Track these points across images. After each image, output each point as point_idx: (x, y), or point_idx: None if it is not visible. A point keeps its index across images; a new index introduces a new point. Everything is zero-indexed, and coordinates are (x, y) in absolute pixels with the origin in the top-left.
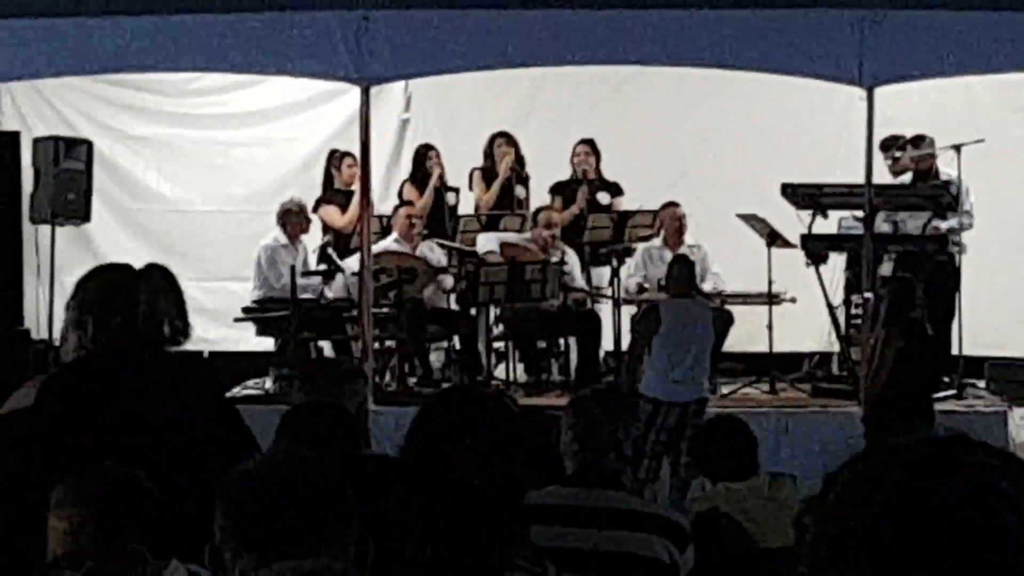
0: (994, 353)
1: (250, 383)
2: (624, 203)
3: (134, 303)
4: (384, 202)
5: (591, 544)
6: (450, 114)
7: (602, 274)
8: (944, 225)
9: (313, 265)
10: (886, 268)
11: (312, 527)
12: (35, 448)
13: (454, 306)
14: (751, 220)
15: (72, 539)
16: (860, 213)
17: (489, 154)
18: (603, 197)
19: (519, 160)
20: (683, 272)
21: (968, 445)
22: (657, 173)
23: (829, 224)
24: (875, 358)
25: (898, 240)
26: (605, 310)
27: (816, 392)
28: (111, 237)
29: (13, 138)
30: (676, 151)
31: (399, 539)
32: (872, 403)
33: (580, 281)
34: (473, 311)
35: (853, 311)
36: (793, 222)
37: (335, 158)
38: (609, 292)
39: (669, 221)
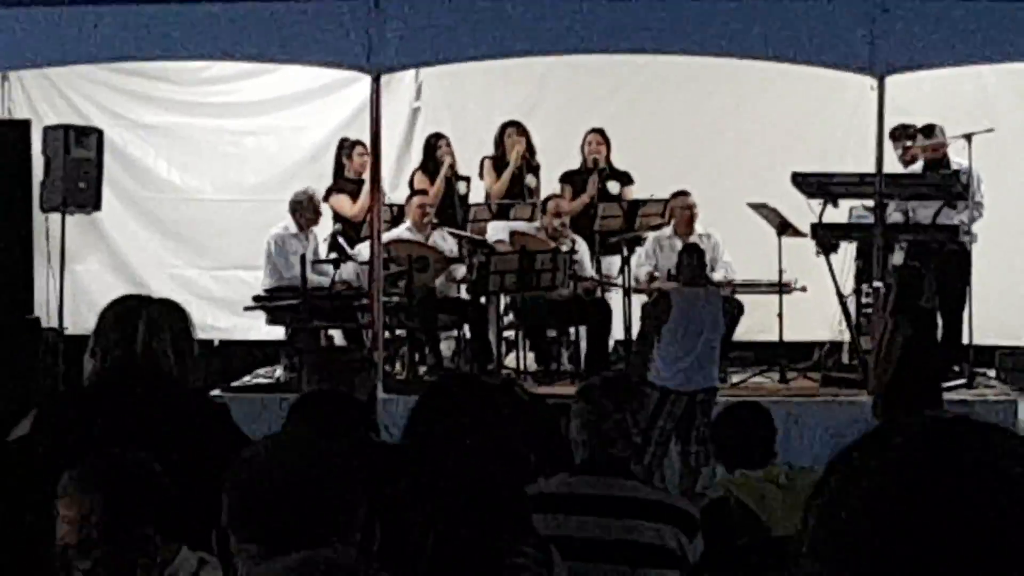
0: (1004, 343)
1: (260, 371)
2: (634, 192)
3: (132, 337)
4: (395, 191)
5: (600, 532)
6: (461, 103)
7: (612, 263)
8: (955, 217)
9: (324, 254)
10: (897, 257)
11: (319, 513)
12: (31, 474)
13: (465, 295)
14: (761, 209)
15: (81, 527)
16: (871, 202)
17: (500, 143)
18: (613, 186)
19: (530, 149)
20: (693, 261)
21: (970, 425)
22: (667, 162)
23: (840, 213)
24: (883, 347)
25: (909, 229)
26: (615, 299)
27: (826, 381)
28: (121, 225)
29: (24, 126)
30: (687, 140)
31: (404, 526)
32: (881, 392)
33: (590, 270)
34: (483, 300)
35: (863, 300)
36: (804, 211)
37: (346, 147)
38: (619, 281)
39: (679, 210)
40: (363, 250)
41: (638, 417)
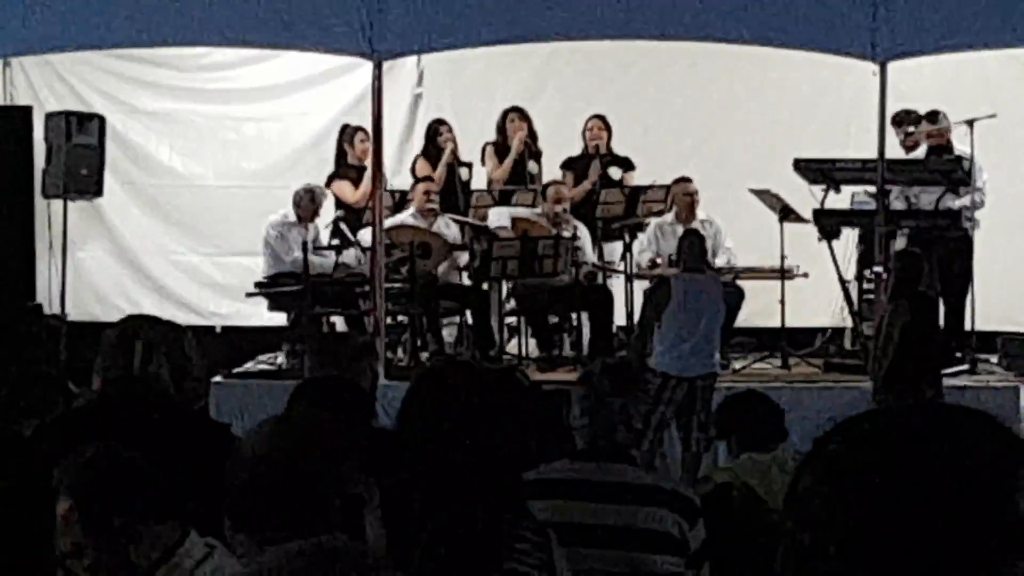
0: (1007, 328)
1: (262, 358)
2: (635, 178)
3: (130, 359)
4: (396, 177)
5: (601, 518)
6: (462, 89)
7: (614, 249)
8: (957, 203)
9: (325, 240)
10: (900, 243)
11: (318, 500)
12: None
13: (467, 282)
14: (764, 195)
15: (69, 532)
16: (872, 188)
17: (502, 129)
18: (615, 172)
19: (531, 135)
20: (694, 247)
21: (956, 413)
22: (669, 148)
23: (842, 199)
24: (882, 332)
25: (911, 216)
26: (617, 285)
27: (828, 367)
28: (123, 212)
29: (26, 113)
30: (689, 126)
31: (400, 511)
32: (881, 377)
33: (591, 256)
34: (485, 286)
35: (865, 286)
36: (806, 197)
37: (347, 133)
38: (621, 267)
39: (681, 196)
40: (365, 236)
41: (639, 403)
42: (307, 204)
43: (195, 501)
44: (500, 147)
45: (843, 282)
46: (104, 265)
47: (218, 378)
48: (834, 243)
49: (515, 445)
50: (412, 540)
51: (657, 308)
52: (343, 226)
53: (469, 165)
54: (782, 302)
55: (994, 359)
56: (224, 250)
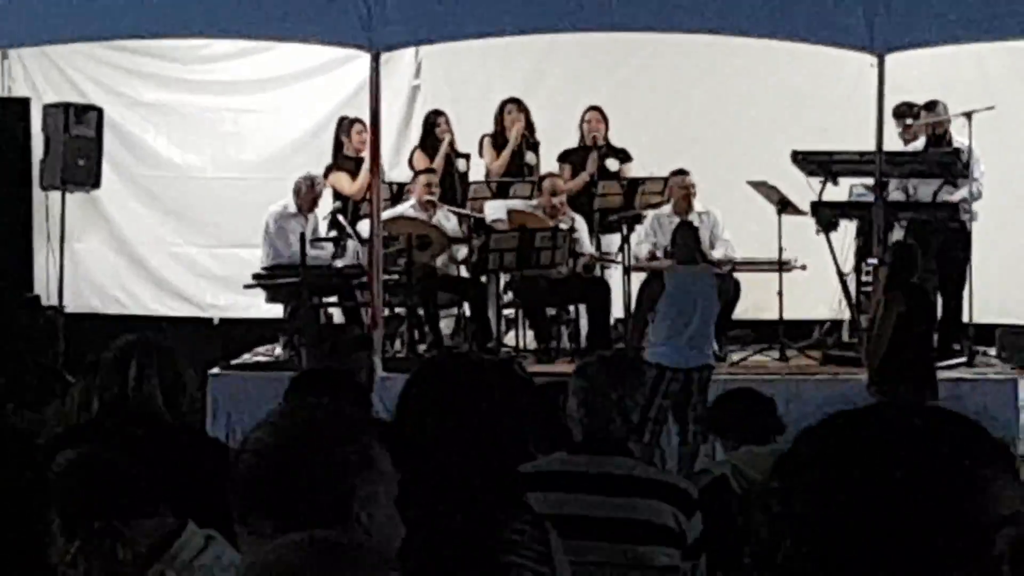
0: (1005, 321)
1: (260, 350)
2: (633, 169)
3: (125, 380)
4: (394, 169)
5: (598, 511)
6: (460, 81)
7: (612, 241)
8: (955, 195)
9: (323, 232)
10: (897, 235)
11: (319, 494)
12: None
13: (465, 274)
14: (762, 187)
15: (60, 543)
16: (871, 180)
17: (499, 120)
18: (612, 164)
19: (529, 126)
20: (687, 239)
21: (938, 416)
22: (667, 140)
23: (840, 191)
24: (876, 323)
25: (909, 208)
26: (615, 277)
27: (826, 359)
28: (121, 204)
29: (23, 104)
30: (687, 118)
31: (398, 504)
32: (875, 368)
33: (589, 248)
34: (484, 278)
35: (863, 278)
36: (804, 189)
37: (345, 125)
38: (618, 258)
39: (677, 189)
40: (364, 228)
41: (636, 395)
42: (307, 192)
43: (189, 495)
44: (498, 139)
45: (841, 274)
46: (102, 257)
47: (215, 370)
48: (832, 235)
49: (513, 438)
50: (410, 533)
51: (650, 301)
52: (341, 218)
53: (467, 156)
54: (780, 294)
55: (992, 351)
56: (222, 242)
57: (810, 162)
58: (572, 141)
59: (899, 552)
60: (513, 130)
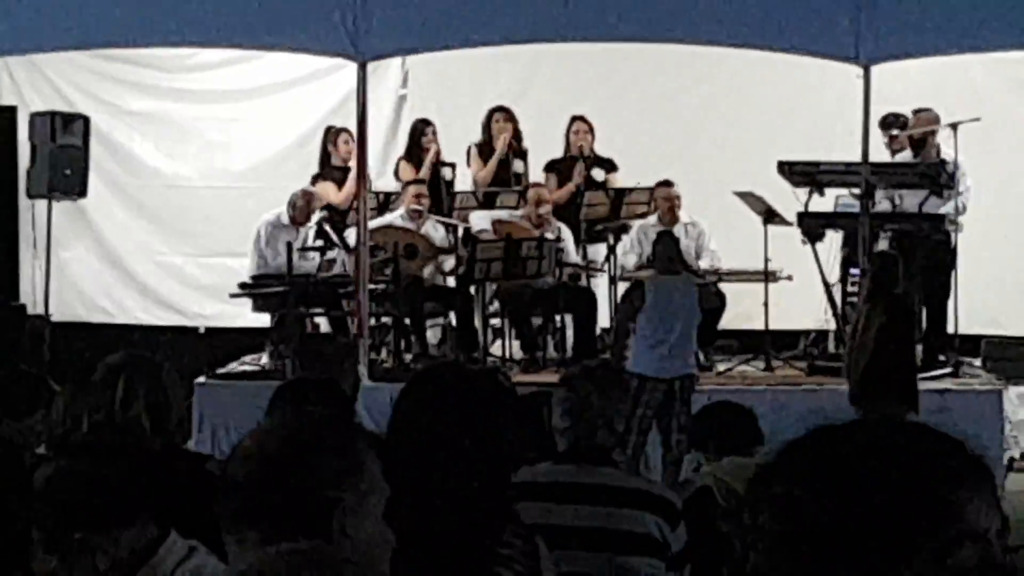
0: (990, 331)
1: (246, 359)
2: (619, 179)
3: (112, 401)
4: (381, 178)
5: (582, 520)
6: (447, 90)
7: (598, 251)
8: (942, 207)
9: (311, 243)
10: (882, 246)
11: (306, 504)
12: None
13: (452, 283)
14: (748, 197)
15: (42, 557)
16: (857, 190)
17: (487, 129)
18: (598, 173)
19: (517, 134)
20: (668, 249)
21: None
22: (654, 150)
23: (826, 202)
24: (858, 334)
25: (895, 218)
26: (601, 287)
27: (812, 370)
28: (107, 212)
29: (10, 113)
30: (673, 128)
31: (389, 515)
32: (857, 379)
33: (575, 257)
34: (472, 288)
35: (849, 288)
36: (790, 200)
37: (331, 134)
38: (604, 268)
39: (662, 201)
40: (351, 237)
41: (621, 405)
42: (303, 206)
43: (172, 506)
44: (485, 148)
45: (827, 284)
46: (88, 265)
47: (201, 379)
48: (818, 245)
49: (503, 450)
50: (400, 544)
51: (631, 311)
52: (327, 227)
53: (452, 165)
54: (766, 304)
55: (977, 362)
56: (208, 251)
57: (796, 172)
58: (558, 150)
59: (868, 568)
60: (500, 139)
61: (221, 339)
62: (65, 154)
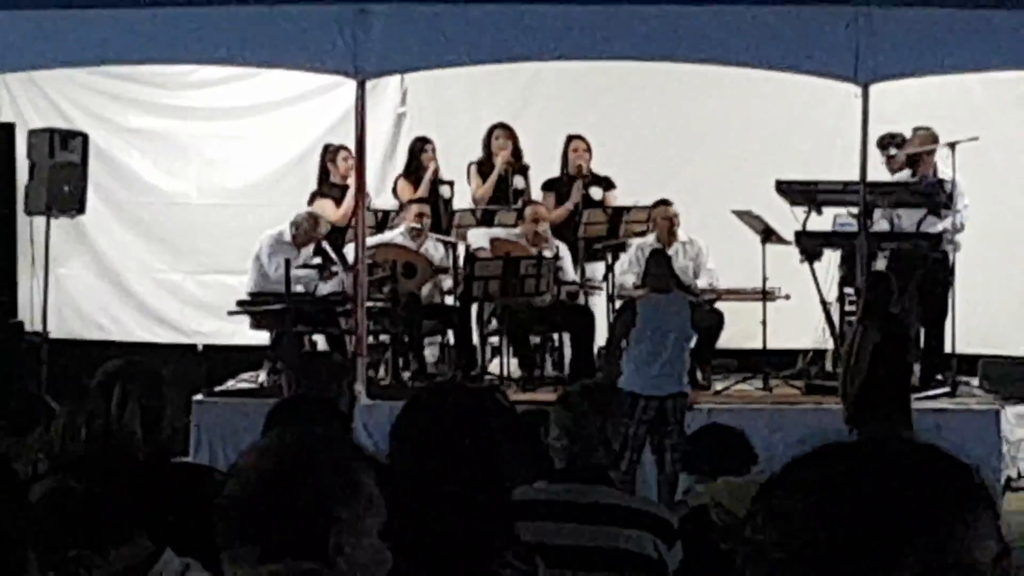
0: (987, 351)
1: (244, 376)
2: (617, 197)
3: (108, 410)
4: (379, 196)
5: (580, 539)
6: (446, 108)
7: (596, 269)
8: (939, 226)
9: (310, 261)
10: (880, 265)
11: (302, 524)
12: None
13: (450, 301)
14: (746, 216)
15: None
16: (855, 210)
17: (487, 146)
18: (596, 192)
19: (517, 151)
20: (661, 267)
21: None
22: (653, 169)
23: (824, 221)
24: (852, 354)
25: (892, 238)
26: (599, 305)
27: (810, 389)
28: (106, 229)
29: (8, 129)
30: (672, 147)
31: (387, 534)
32: (851, 399)
33: (572, 276)
34: (474, 307)
35: (847, 308)
36: (788, 219)
37: (330, 152)
38: (603, 287)
39: (661, 220)
40: (351, 254)
41: (618, 424)
42: (307, 228)
43: (167, 523)
44: (485, 165)
45: (824, 304)
46: (86, 282)
47: (199, 396)
48: (816, 265)
49: (502, 469)
50: (398, 564)
51: (623, 329)
52: (325, 245)
53: (451, 183)
54: (764, 324)
55: (975, 382)
56: (207, 268)
57: (794, 192)
58: (556, 169)
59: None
60: (499, 157)
61: (219, 356)
62: (63, 171)
